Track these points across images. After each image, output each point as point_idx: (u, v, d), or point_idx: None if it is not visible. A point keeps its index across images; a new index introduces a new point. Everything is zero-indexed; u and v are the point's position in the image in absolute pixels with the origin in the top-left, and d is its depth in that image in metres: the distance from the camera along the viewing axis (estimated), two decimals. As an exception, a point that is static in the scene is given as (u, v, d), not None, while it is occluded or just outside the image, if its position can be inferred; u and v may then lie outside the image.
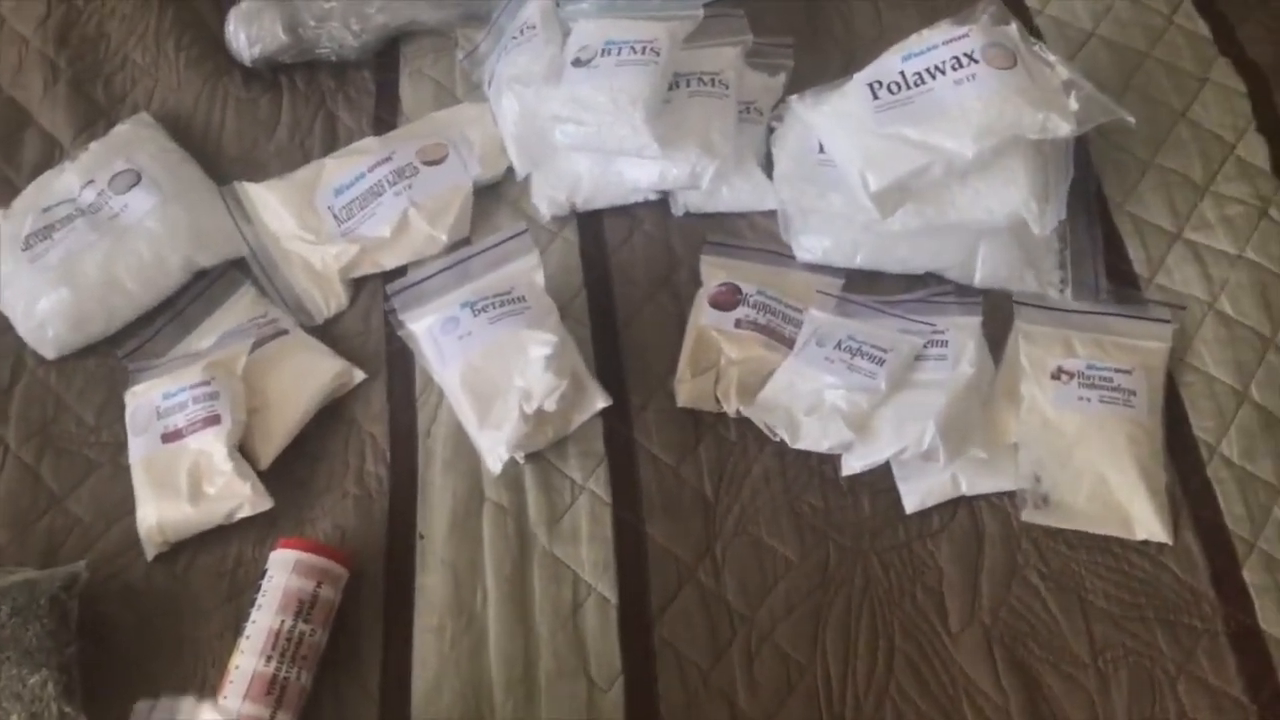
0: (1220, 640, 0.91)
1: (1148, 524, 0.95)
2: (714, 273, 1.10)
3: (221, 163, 1.22)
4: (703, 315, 1.07)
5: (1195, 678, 0.90)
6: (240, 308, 1.11)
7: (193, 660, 0.95)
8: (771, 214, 1.13)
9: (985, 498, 0.99)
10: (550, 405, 0.97)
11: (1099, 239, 1.10)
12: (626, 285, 1.11)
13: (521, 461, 1.00)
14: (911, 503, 0.98)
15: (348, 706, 0.92)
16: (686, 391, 1.04)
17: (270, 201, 1.15)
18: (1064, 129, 0.98)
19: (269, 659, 0.89)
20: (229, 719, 0.87)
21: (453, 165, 1.14)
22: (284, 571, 0.92)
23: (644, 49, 1.08)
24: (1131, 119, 1.02)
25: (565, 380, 0.98)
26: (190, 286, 1.13)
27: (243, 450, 1.00)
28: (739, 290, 1.07)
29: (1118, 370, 1.00)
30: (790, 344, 1.05)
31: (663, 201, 1.15)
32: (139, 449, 1.01)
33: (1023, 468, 0.98)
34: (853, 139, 1.02)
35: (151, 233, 1.11)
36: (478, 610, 0.95)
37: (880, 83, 1.02)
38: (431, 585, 0.96)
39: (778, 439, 1.00)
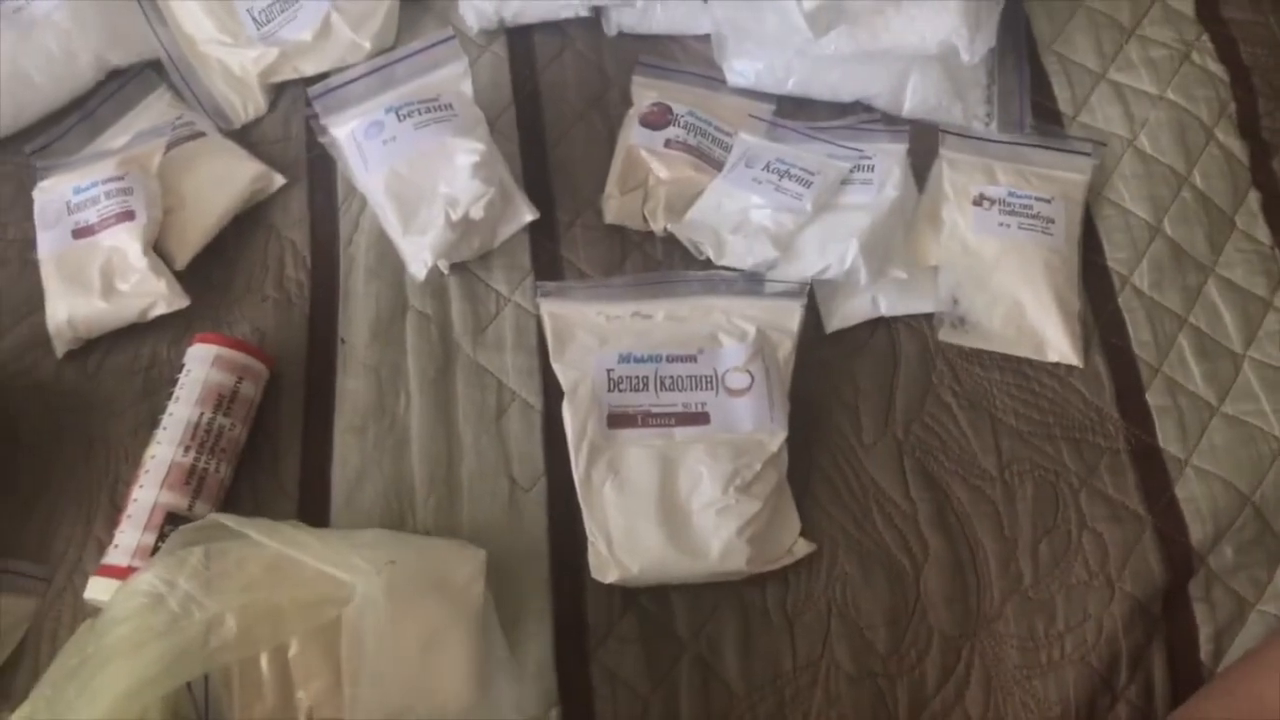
0: (1122, 457, 0.95)
1: (1059, 347, 0.98)
2: (645, 93, 1.09)
3: (135, -41, 1.16)
4: (633, 134, 1.06)
5: (1096, 491, 0.94)
6: (155, 110, 1.07)
7: (104, 456, 0.93)
8: (705, 38, 1.12)
9: (903, 319, 1.00)
10: (477, 213, 0.96)
11: (1026, 76, 1.11)
12: (556, 103, 1.10)
13: (446, 272, 0.99)
14: (832, 323, 1.00)
15: (266, 503, 0.92)
16: (615, 208, 1.04)
17: (186, 2, 1.10)
18: (999, -47, 0.98)
19: (187, 449, 0.88)
20: None
21: (379, -32, 1.10)
22: (203, 365, 0.91)
23: None
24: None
25: (493, 188, 0.96)
26: (103, 86, 1.09)
27: (158, 251, 0.98)
28: (670, 110, 1.06)
29: (1038, 198, 1.02)
30: (718, 167, 1.05)
31: (595, 20, 1.14)
32: (48, 244, 0.98)
33: (941, 290, 0.99)
34: (789, -45, 1.01)
35: (59, 27, 1.06)
36: (400, 413, 0.95)
37: (819, -102, 1.01)
38: (353, 388, 0.96)
39: (703, 257, 1.01)
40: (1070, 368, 0.98)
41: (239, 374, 0.91)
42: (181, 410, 0.89)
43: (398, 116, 0.99)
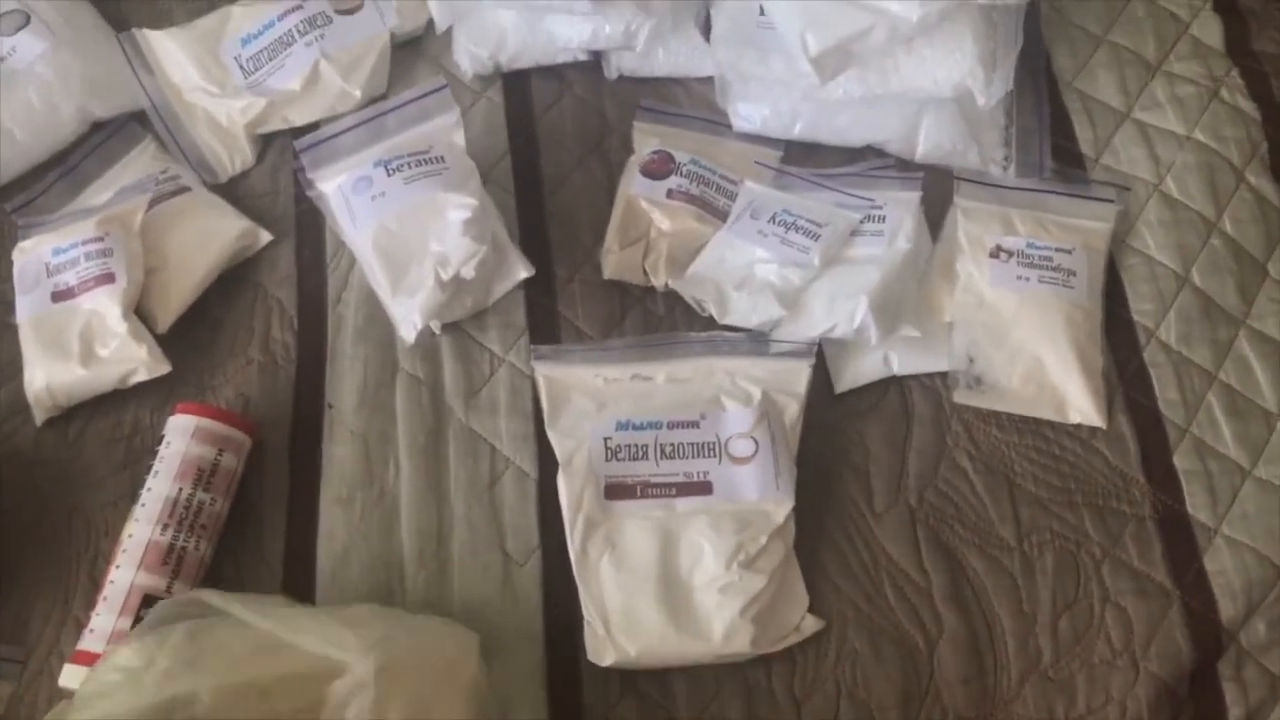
0: (1147, 525, 0.90)
1: (1082, 407, 0.93)
2: (647, 140, 1.05)
3: (119, 7, 1.14)
4: (633, 184, 1.02)
5: (1121, 562, 0.89)
6: (139, 164, 1.04)
7: (84, 529, 0.90)
8: (709, 81, 1.08)
9: (917, 378, 0.96)
10: (468, 272, 0.92)
11: (1046, 117, 1.06)
12: (554, 150, 1.06)
13: (438, 332, 0.96)
14: (842, 382, 0.95)
15: (249, 578, 0.88)
16: (614, 263, 1.00)
17: (172, 51, 1.08)
18: (1015, -7, 0.93)
19: (165, 528, 0.84)
20: None
21: (369, 15, 1.07)
22: (183, 438, 0.88)
23: (575, -106, 1.01)
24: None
25: (485, 246, 0.93)
26: (85, 139, 1.06)
27: (139, 313, 0.95)
28: (672, 159, 1.02)
29: (1058, 249, 0.97)
30: (723, 217, 1.01)
31: (594, 63, 1.09)
32: (27, 308, 0.96)
33: (956, 348, 0.95)
34: (793, -2, 0.96)
35: (42, 79, 1.04)
36: (389, 483, 0.91)
37: (824, -61, 0.96)
38: (340, 456, 0.92)
39: (706, 314, 0.97)
40: (1093, 429, 0.94)
41: (220, 446, 0.88)
42: (160, 486, 0.86)
43: (387, 171, 0.96)
